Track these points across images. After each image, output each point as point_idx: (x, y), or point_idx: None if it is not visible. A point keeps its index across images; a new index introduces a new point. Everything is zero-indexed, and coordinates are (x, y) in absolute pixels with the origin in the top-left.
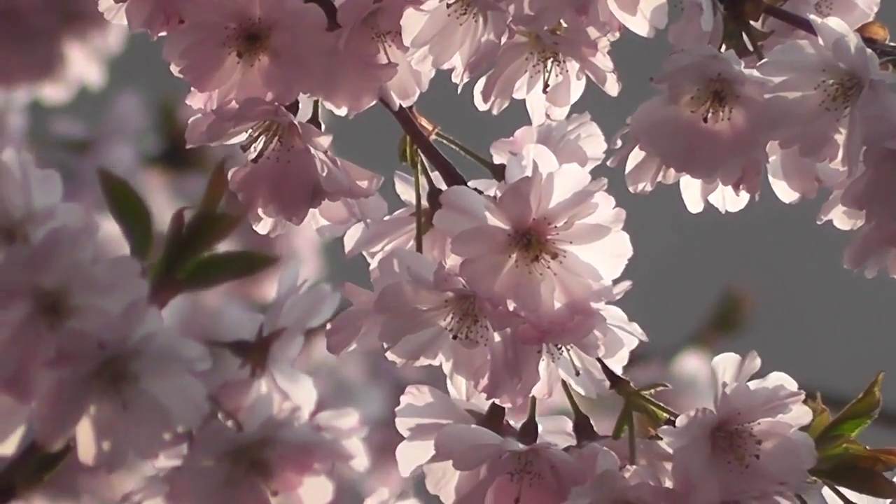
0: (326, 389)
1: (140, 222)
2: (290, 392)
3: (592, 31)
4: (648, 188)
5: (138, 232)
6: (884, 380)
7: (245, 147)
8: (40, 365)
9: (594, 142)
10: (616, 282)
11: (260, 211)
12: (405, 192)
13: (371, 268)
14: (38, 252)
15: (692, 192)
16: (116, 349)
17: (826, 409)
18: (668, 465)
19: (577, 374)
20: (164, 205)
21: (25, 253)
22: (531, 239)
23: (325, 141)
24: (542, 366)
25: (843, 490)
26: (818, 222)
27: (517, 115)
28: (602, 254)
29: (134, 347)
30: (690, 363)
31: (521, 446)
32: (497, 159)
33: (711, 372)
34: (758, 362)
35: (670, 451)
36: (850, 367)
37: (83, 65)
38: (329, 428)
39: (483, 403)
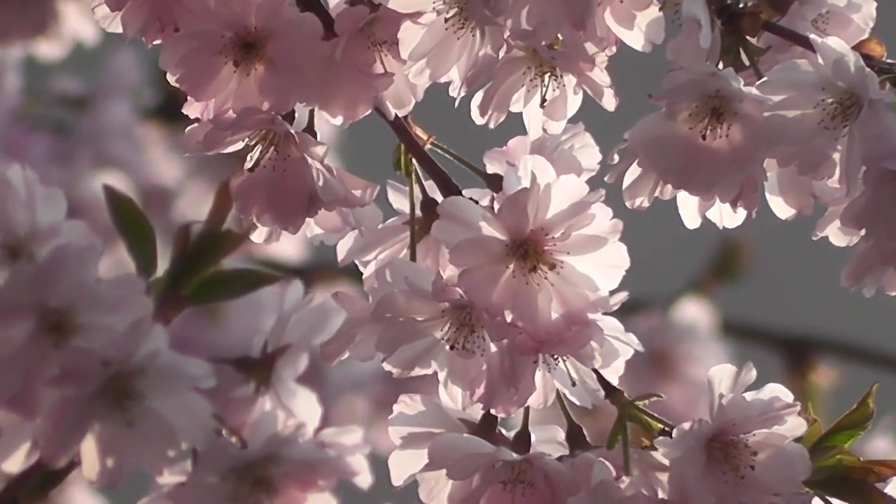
0: None
1: (144, 240)
2: (295, 409)
3: (590, 46)
4: (646, 204)
5: (143, 249)
6: (883, 324)
7: (241, 156)
8: (45, 383)
9: (588, 152)
10: (613, 293)
11: (255, 220)
12: (397, 201)
13: (364, 276)
14: (42, 270)
15: (689, 208)
16: (121, 367)
17: (817, 420)
18: (663, 476)
19: (573, 384)
20: (161, 158)
21: (30, 271)
22: (528, 249)
23: (321, 150)
24: (538, 376)
25: (836, 501)
26: (814, 238)
27: (512, 123)
28: (599, 264)
29: (138, 365)
30: (689, 310)
31: (515, 456)
32: (490, 169)
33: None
34: (753, 374)
35: (665, 461)
36: (848, 314)
37: (77, 21)
38: (333, 445)
39: (475, 412)
